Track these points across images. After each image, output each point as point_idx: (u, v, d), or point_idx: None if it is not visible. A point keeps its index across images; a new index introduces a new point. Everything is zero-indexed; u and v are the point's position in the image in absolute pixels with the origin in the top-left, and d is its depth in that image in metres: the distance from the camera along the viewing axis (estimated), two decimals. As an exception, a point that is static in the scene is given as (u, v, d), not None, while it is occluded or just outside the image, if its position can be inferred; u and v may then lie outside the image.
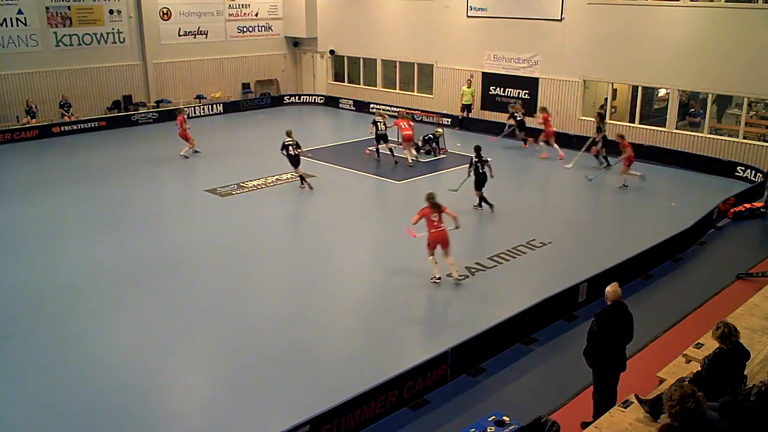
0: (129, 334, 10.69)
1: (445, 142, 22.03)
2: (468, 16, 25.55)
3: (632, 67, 21.38)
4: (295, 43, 32.62)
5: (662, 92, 22.23)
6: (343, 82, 31.42)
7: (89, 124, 25.45)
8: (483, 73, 25.55)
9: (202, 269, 13.12)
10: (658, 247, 12.98)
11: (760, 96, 19.66)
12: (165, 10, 28.28)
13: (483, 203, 16.16)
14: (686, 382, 6.43)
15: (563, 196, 18.14)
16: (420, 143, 21.71)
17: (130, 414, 8.61)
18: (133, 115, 26.90)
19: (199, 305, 11.68)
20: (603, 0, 21.76)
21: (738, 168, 18.86)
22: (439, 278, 12.24)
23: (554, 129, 21.22)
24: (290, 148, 17.59)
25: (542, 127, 21.25)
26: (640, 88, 21.80)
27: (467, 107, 25.11)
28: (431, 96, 27.32)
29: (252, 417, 8.55)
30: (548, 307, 10.67)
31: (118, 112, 27.02)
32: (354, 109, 29.59)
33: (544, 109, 21.78)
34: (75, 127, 25.02)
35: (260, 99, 30.87)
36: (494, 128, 23.03)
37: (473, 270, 12.78)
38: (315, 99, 31.42)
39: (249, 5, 30.78)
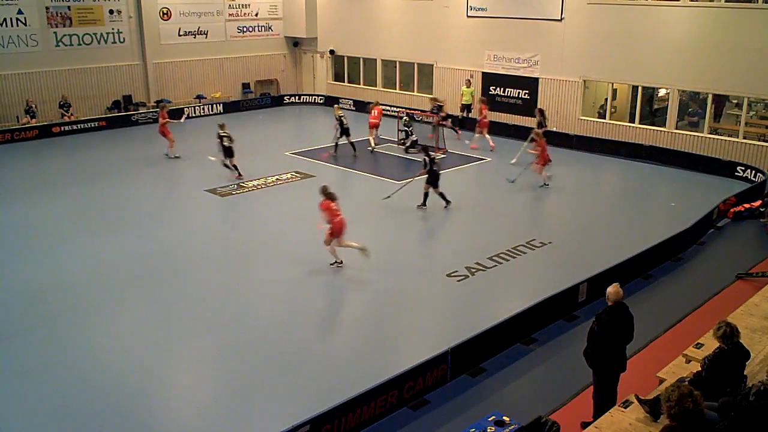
0: (129, 333, 10.68)
1: (413, 131, 22.49)
2: (468, 16, 25.56)
3: (632, 67, 21.39)
4: (295, 43, 32.62)
5: (662, 92, 22.24)
6: (343, 82, 31.42)
7: (89, 124, 25.46)
8: (483, 73, 25.56)
9: (202, 269, 13.13)
10: (658, 246, 12.99)
11: (761, 96, 19.67)
12: (165, 10, 28.29)
13: (430, 200, 16.30)
14: (684, 383, 6.44)
15: (563, 195, 18.13)
16: (406, 145, 22.19)
17: (129, 414, 8.62)
18: (133, 115, 26.91)
19: (199, 305, 11.68)
20: (603, 0, 21.78)
21: (738, 168, 18.87)
22: (341, 262, 13.02)
23: (488, 120, 22.15)
24: (224, 139, 18.59)
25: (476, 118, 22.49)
26: (640, 88, 21.80)
27: (467, 107, 25.09)
28: (432, 96, 27.28)
29: (252, 417, 8.55)
30: (548, 307, 10.67)
31: (118, 112, 27.03)
32: (354, 109, 29.59)
33: (483, 101, 22.56)
34: (75, 127, 25.03)
35: (260, 99, 30.88)
36: (495, 128, 23.00)
37: (473, 270, 12.78)
38: (315, 99, 31.42)
39: (249, 5, 30.79)
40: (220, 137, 18.68)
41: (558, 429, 7.19)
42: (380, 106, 23.31)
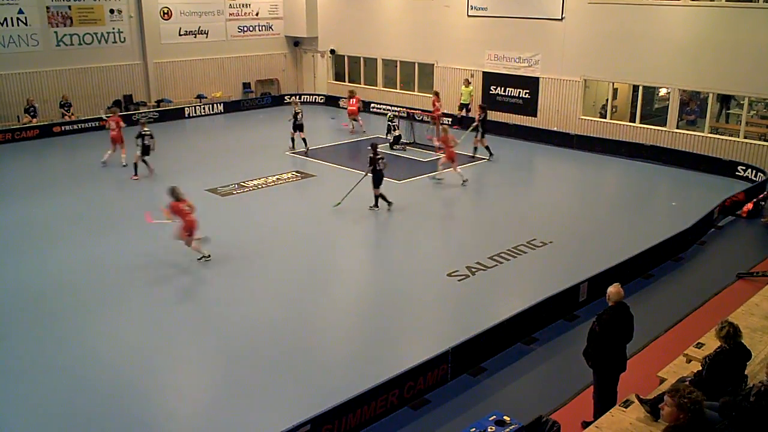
0: (130, 334, 10.69)
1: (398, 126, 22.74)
2: (469, 16, 25.55)
3: (633, 66, 21.38)
4: (295, 42, 32.61)
5: (663, 92, 22.23)
6: (344, 81, 31.41)
7: (90, 123, 25.45)
8: (484, 72, 25.55)
9: (202, 269, 13.12)
10: (659, 246, 12.97)
11: (762, 96, 19.66)
12: (165, 10, 28.29)
13: (380, 202, 16.27)
14: (685, 382, 6.44)
15: (563, 195, 18.13)
16: (390, 142, 22.38)
17: (129, 414, 8.62)
18: (134, 114, 26.90)
19: (199, 304, 11.69)
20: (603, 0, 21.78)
21: (739, 167, 18.85)
22: (209, 255, 13.22)
23: (356, 108, 24.29)
24: (145, 138, 19.08)
25: (346, 106, 24.60)
26: (641, 88, 21.79)
27: (465, 106, 25.14)
28: (432, 95, 27.27)
29: (252, 417, 8.55)
30: (549, 306, 10.67)
31: (119, 112, 27.00)
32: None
33: (351, 92, 24.80)
34: (76, 127, 25.03)
35: (261, 98, 30.88)
36: (495, 128, 22.99)
37: (473, 269, 12.78)
38: (315, 99, 31.41)
39: (249, 5, 30.78)
40: (141, 135, 19.08)
41: (558, 428, 7.19)
42: (357, 96, 25.03)
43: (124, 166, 19.88)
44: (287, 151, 21.93)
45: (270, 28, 31.88)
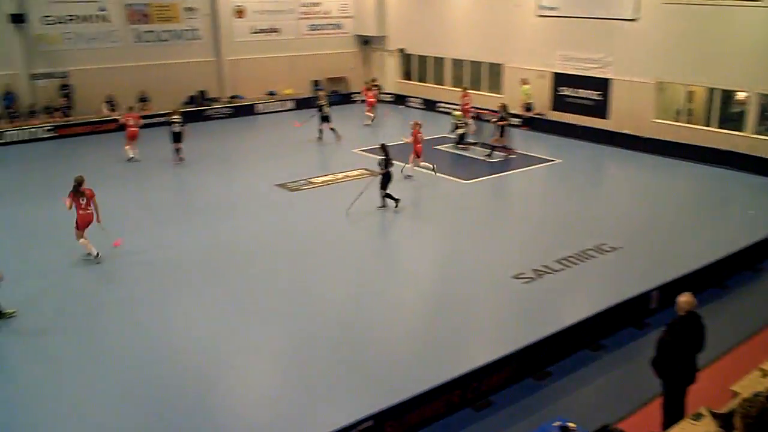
0: (201, 321, 11.02)
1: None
2: (538, 15, 25.23)
3: (708, 69, 20.67)
4: (365, 41, 32.86)
5: (741, 95, 21.43)
6: (412, 80, 31.47)
7: (163, 118, 26.21)
8: (554, 73, 25.20)
9: (273, 260, 13.40)
10: (736, 255, 12.53)
11: None
12: (239, 8, 28.96)
13: (387, 201, 16.18)
14: (761, 397, 6.23)
15: (634, 199, 17.71)
16: (456, 141, 22.60)
17: (195, 399, 8.90)
18: (207, 110, 27.64)
19: (267, 296, 11.94)
20: (678, 0, 21.15)
21: (823, 175, 18.03)
22: (98, 254, 13.08)
23: (374, 101, 26.41)
24: (174, 125, 20.23)
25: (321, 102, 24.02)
26: (717, 91, 21.05)
27: (529, 105, 25.03)
28: (501, 95, 27.04)
29: (316, 409, 8.69)
30: (617, 313, 10.46)
31: (194, 107, 27.81)
32: (424, 107, 29.68)
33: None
34: (152, 121, 25.85)
35: (330, 96, 31.19)
36: (562, 129, 22.66)
37: (540, 272, 12.64)
38: (384, 97, 31.59)
39: (321, 3, 31.23)
40: (171, 123, 20.12)
41: (625, 438, 7.07)
42: (375, 89, 27.12)
43: (129, 159, 20.73)
44: (332, 143, 23.07)
45: (340, 26, 32.23)
